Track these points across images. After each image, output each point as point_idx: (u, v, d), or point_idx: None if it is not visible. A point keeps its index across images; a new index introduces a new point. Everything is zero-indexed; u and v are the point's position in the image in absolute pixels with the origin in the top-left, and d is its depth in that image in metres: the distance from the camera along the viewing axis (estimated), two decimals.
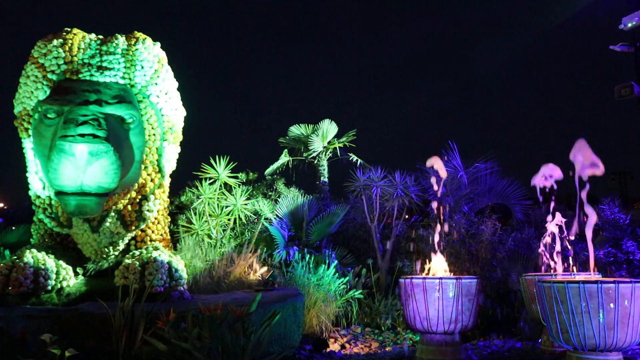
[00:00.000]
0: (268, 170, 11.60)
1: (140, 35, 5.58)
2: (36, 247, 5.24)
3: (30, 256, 4.96)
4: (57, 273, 5.03)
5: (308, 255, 7.38)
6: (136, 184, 5.41)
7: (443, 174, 6.29)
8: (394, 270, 8.48)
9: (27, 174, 5.46)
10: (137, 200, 5.46)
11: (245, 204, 8.17)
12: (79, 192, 4.69)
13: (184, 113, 5.89)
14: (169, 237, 6.13)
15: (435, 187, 6.67)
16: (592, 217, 5.17)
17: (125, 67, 5.34)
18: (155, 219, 5.75)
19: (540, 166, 5.87)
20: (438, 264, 5.93)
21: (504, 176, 9.53)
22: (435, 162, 6.15)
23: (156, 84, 5.49)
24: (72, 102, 4.87)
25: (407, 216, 9.54)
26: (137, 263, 5.00)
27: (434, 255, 5.96)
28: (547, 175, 5.75)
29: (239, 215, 8.07)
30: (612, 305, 4.43)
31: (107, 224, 5.32)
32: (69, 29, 5.47)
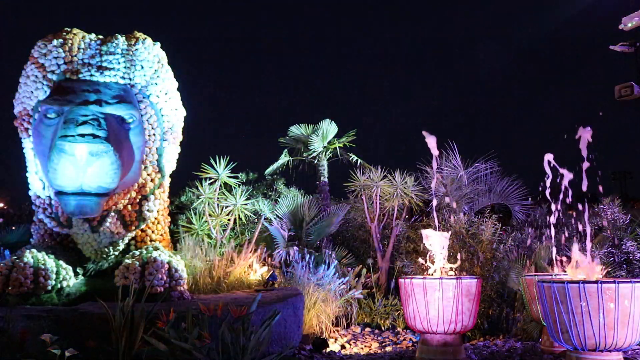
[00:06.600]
0: (268, 170, 11.57)
1: (140, 35, 5.59)
2: (36, 247, 5.24)
3: (30, 256, 4.96)
4: (57, 273, 5.03)
5: (308, 255, 7.37)
6: (136, 184, 5.41)
7: (434, 152, 6.22)
8: (394, 270, 8.48)
9: (27, 174, 5.46)
10: (137, 200, 5.47)
11: (245, 204, 8.16)
12: (79, 192, 4.70)
13: (184, 113, 5.90)
14: (169, 237, 6.13)
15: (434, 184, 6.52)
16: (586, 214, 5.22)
17: (125, 67, 5.35)
18: (155, 219, 5.75)
19: (540, 166, 5.84)
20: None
21: (504, 176, 9.51)
22: (428, 138, 6.08)
23: (156, 84, 5.50)
24: (72, 102, 4.88)
25: (407, 216, 9.53)
26: (137, 263, 5.00)
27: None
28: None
29: (239, 215, 8.07)
30: (612, 305, 4.43)
31: (107, 224, 5.32)
32: (69, 29, 5.47)
